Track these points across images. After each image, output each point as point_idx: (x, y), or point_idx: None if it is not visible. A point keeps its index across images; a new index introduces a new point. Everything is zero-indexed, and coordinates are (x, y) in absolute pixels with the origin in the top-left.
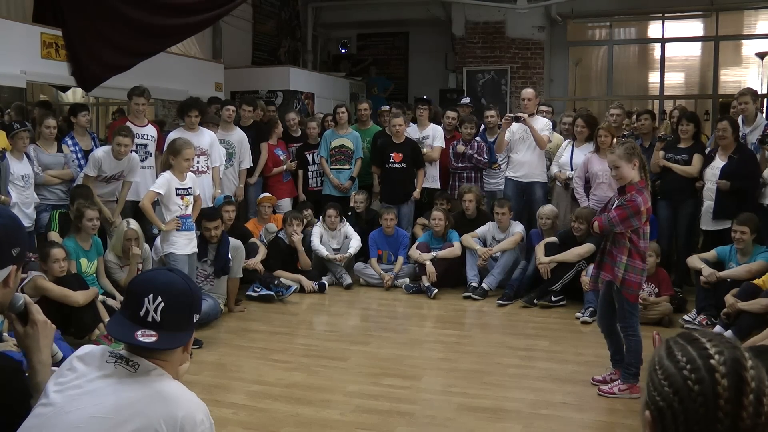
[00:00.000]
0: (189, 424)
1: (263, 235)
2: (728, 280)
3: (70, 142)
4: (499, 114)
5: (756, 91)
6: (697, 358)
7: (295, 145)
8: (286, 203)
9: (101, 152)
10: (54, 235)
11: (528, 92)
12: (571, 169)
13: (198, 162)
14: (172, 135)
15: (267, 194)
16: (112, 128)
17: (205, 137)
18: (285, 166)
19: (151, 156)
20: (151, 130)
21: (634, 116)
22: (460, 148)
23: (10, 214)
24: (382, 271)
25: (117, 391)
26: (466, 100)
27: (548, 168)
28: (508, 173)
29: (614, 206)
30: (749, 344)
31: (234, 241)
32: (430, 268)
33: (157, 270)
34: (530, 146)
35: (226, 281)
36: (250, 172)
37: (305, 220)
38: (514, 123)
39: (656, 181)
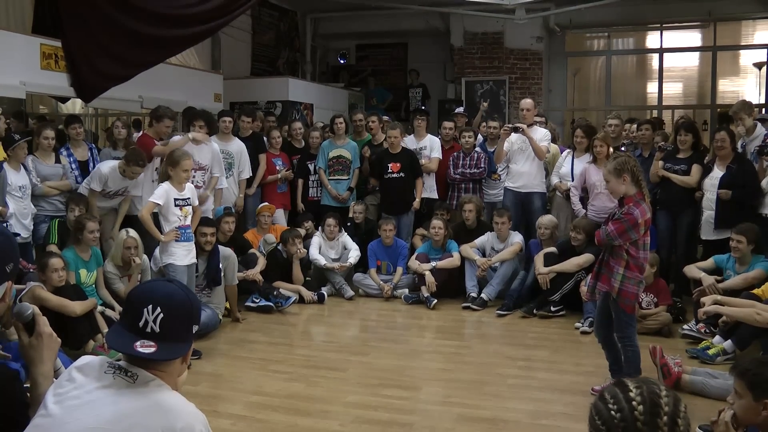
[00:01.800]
0: None
1: (262, 245)
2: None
3: (65, 153)
4: (500, 125)
5: (749, 103)
6: (619, 392)
7: (297, 157)
8: (279, 214)
9: (107, 169)
10: (53, 248)
11: (527, 102)
12: (572, 180)
13: (194, 178)
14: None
15: (266, 204)
16: (143, 143)
17: (205, 151)
18: (280, 175)
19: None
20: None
21: (634, 125)
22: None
23: (1, 230)
24: (381, 282)
25: (116, 401)
26: (459, 109)
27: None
28: (507, 183)
29: (612, 219)
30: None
31: (224, 250)
32: (429, 278)
33: (156, 281)
34: (529, 157)
35: (223, 290)
36: (249, 182)
37: (305, 231)
38: (512, 133)
39: (655, 191)
